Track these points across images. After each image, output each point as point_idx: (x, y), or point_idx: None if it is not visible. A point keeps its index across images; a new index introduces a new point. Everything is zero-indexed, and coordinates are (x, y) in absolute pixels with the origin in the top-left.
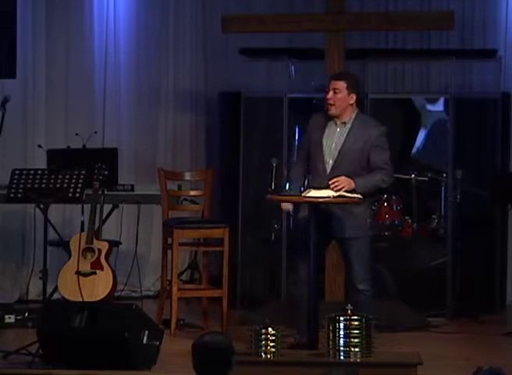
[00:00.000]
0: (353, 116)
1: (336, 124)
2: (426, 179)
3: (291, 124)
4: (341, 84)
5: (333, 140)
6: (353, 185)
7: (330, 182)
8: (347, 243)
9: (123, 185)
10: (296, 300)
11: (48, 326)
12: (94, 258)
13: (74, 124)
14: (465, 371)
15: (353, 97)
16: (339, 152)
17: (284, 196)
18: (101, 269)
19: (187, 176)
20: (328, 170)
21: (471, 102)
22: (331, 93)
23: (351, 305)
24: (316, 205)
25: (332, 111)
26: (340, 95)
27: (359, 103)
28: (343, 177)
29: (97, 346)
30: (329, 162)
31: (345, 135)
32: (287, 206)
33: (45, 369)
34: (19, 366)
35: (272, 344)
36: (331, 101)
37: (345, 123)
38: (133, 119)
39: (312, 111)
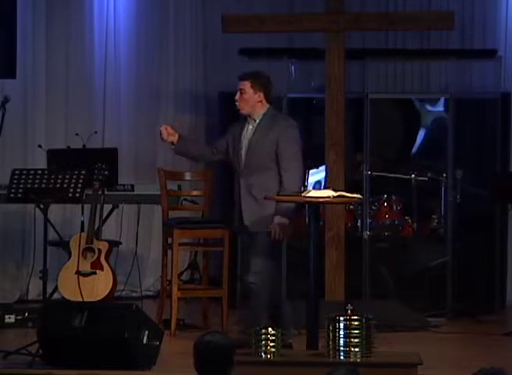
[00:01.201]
0: (263, 111)
1: (249, 123)
2: (426, 179)
3: None
4: (245, 84)
5: (246, 136)
6: (286, 228)
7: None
8: (254, 237)
9: (123, 185)
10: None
11: (48, 326)
12: (94, 258)
13: (74, 124)
14: (465, 371)
15: (261, 95)
16: (249, 146)
17: (284, 196)
18: (101, 269)
19: (187, 176)
20: (242, 165)
21: (471, 102)
22: (238, 94)
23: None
24: (316, 205)
25: (241, 111)
26: (246, 95)
27: (269, 100)
28: (275, 226)
29: (97, 346)
30: (242, 158)
31: (254, 130)
32: (169, 138)
33: (45, 369)
34: (19, 366)
35: (271, 344)
36: (237, 102)
37: (255, 119)
38: (133, 119)
39: (312, 111)
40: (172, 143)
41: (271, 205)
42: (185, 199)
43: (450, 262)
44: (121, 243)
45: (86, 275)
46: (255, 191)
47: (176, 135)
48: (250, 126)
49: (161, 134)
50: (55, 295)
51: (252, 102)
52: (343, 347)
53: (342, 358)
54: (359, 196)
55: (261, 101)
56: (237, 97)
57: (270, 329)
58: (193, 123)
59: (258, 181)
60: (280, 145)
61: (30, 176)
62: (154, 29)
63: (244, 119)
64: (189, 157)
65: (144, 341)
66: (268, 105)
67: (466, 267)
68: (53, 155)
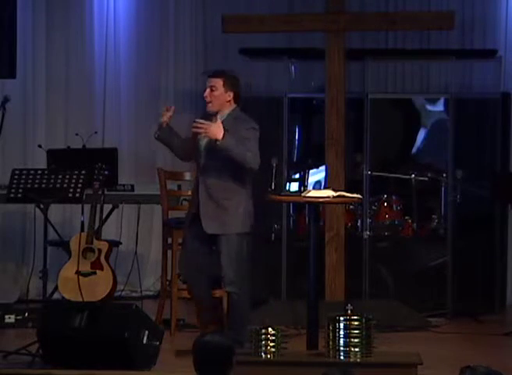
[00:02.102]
0: (229, 111)
1: (212, 121)
2: (426, 179)
3: (291, 124)
4: (217, 82)
5: (204, 137)
6: (217, 134)
7: (196, 121)
8: (216, 240)
9: (123, 185)
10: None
11: (48, 326)
12: (94, 258)
13: (74, 124)
14: None
15: (231, 94)
16: (209, 146)
17: (284, 196)
18: (101, 269)
19: (187, 176)
20: (202, 164)
21: (471, 102)
22: (208, 90)
23: (227, 307)
24: (316, 205)
25: (210, 108)
26: (217, 92)
27: (238, 101)
28: (215, 124)
29: (97, 346)
30: (202, 157)
31: None
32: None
33: (45, 369)
34: (19, 366)
35: (271, 344)
36: (208, 99)
37: (218, 119)
38: (133, 119)
39: (312, 111)
40: (160, 127)
41: (231, 207)
42: (185, 199)
43: (450, 262)
44: (121, 243)
45: (86, 275)
46: (214, 192)
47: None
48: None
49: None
50: (55, 295)
51: (222, 101)
52: (343, 347)
53: (342, 358)
54: (359, 196)
55: (229, 101)
56: (207, 93)
57: (270, 329)
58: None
59: (217, 182)
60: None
61: (30, 176)
62: (154, 29)
63: (205, 116)
64: (169, 146)
65: (144, 341)
66: (234, 106)
67: (466, 267)
68: (53, 155)
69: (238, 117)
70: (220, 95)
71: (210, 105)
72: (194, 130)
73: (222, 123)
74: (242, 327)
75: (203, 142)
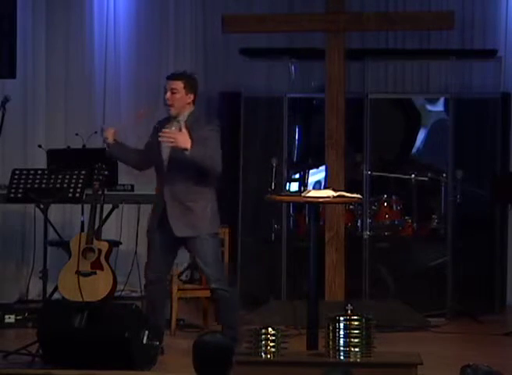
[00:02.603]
0: (188, 113)
1: (172, 124)
2: (426, 179)
3: (291, 124)
4: (178, 84)
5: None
6: (185, 143)
7: (161, 134)
8: (188, 243)
9: (123, 185)
10: (149, 301)
11: (48, 326)
12: (94, 258)
13: (74, 124)
14: None
15: (191, 96)
16: (171, 151)
17: (284, 196)
18: (101, 269)
19: None
20: (165, 167)
21: (471, 102)
22: (169, 93)
23: (216, 305)
24: (316, 205)
25: (172, 111)
26: (178, 95)
27: (195, 103)
28: (182, 134)
29: (97, 346)
30: (166, 159)
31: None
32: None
33: (45, 369)
34: (19, 366)
35: (271, 344)
36: (169, 102)
37: (179, 121)
38: (133, 119)
39: (312, 111)
40: (108, 145)
41: (198, 209)
42: None
43: (450, 262)
44: (121, 243)
45: (86, 275)
46: (180, 196)
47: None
48: (174, 128)
49: (104, 134)
50: (55, 295)
51: (183, 103)
52: (343, 347)
53: (342, 358)
54: (359, 196)
55: (189, 103)
56: (168, 96)
57: (270, 329)
58: None
59: (183, 186)
60: (199, 146)
61: (30, 176)
62: (154, 29)
63: (166, 120)
64: (122, 161)
65: (144, 341)
66: (193, 107)
67: (466, 267)
68: (53, 155)
69: (199, 118)
70: (181, 98)
71: (172, 108)
72: (163, 140)
73: (185, 124)
74: (237, 325)
75: (166, 150)
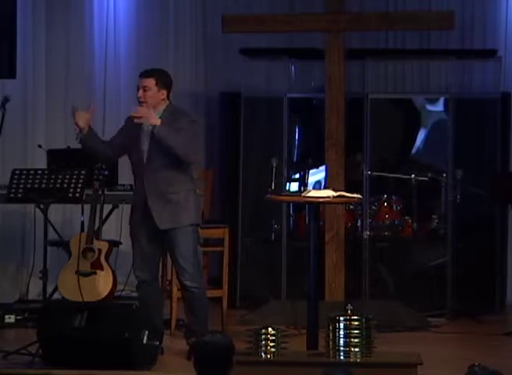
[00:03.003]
0: (164, 108)
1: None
2: (426, 179)
3: (291, 124)
4: (150, 81)
5: (147, 133)
6: (156, 120)
7: (134, 113)
8: (166, 235)
9: (123, 185)
10: (144, 301)
11: (48, 326)
12: (94, 258)
13: (74, 124)
14: (465, 371)
15: (164, 92)
16: (151, 141)
17: (284, 196)
18: (101, 269)
19: None
20: (145, 158)
21: (471, 102)
22: (141, 91)
23: (185, 302)
24: (316, 205)
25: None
26: (150, 93)
27: (169, 98)
28: (148, 111)
29: (97, 346)
30: (146, 150)
31: (154, 127)
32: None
33: (45, 369)
34: (19, 366)
35: (271, 344)
36: (141, 99)
37: (157, 114)
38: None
39: (312, 111)
40: (81, 131)
41: (180, 200)
42: None
43: (450, 262)
44: (121, 243)
45: (86, 275)
46: (161, 187)
47: (87, 125)
48: (146, 126)
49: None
50: (55, 295)
51: (156, 100)
52: (343, 347)
53: (342, 358)
54: (359, 196)
55: (163, 99)
56: (140, 94)
57: (270, 329)
58: None
59: (164, 177)
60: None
61: (30, 176)
62: (154, 29)
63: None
64: (91, 151)
65: (144, 341)
66: (168, 102)
67: (466, 267)
68: (53, 155)
69: (176, 112)
70: (154, 95)
71: (145, 105)
72: (136, 120)
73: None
74: (207, 322)
75: (145, 141)
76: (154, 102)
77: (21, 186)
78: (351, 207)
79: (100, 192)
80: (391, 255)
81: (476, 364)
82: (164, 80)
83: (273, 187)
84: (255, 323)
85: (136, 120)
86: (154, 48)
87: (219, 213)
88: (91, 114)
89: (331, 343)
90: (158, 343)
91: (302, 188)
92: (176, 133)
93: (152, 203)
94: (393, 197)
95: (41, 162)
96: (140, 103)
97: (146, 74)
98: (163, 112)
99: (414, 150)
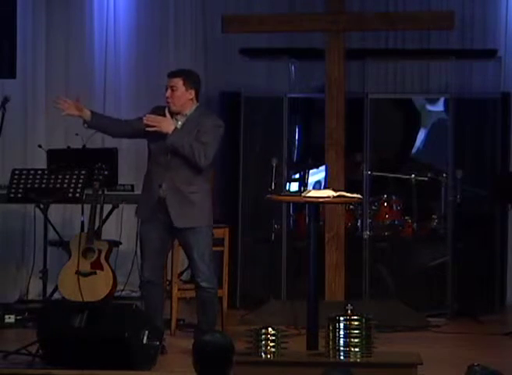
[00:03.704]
0: (193, 108)
1: (177, 119)
2: (426, 179)
3: (291, 124)
4: (177, 81)
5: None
6: (168, 128)
7: (145, 118)
8: (184, 235)
9: (123, 185)
10: (149, 301)
11: (48, 326)
12: (94, 258)
13: (74, 124)
14: (465, 371)
15: (192, 92)
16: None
17: (284, 196)
18: (101, 269)
19: None
20: (169, 159)
21: (471, 102)
22: (169, 91)
23: (198, 302)
24: (316, 205)
25: (172, 108)
26: (178, 92)
27: (198, 98)
28: (163, 118)
29: (97, 346)
30: (168, 151)
31: (182, 126)
32: (70, 111)
33: (45, 369)
34: (19, 366)
35: (271, 344)
36: (169, 100)
37: (185, 115)
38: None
39: (312, 111)
40: (84, 120)
41: (198, 201)
42: None
43: (450, 262)
44: (121, 243)
45: (86, 275)
46: (183, 186)
47: (87, 111)
48: (179, 122)
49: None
50: (55, 295)
51: (184, 100)
52: (343, 347)
53: (342, 358)
54: (359, 196)
55: (192, 99)
56: (168, 94)
57: (270, 329)
58: None
59: (186, 176)
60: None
61: (30, 176)
62: (154, 29)
63: (163, 109)
64: (102, 130)
65: (144, 341)
66: (197, 103)
67: (466, 267)
68: (53, 155)
69: (203, 113)
70: (181, 95)
71: (172, 105)
72: (147, 128)
73: (187, 120)
74: (215, 322)
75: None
76: (181, 102)
77: (21, 186)
78: (351, 207)
79: (100, 192)
80: (391, 255)
81: (476, 364)
82: (192, 80)
83: (273, 187)
84: (255, 323)
85: (147, 128)
86: (154, 48)
87: (219, 213)
88: (77, 99)
89: (331, 343)
90: (158, 343)
91: (302, 188)
92: (187, 137)
93: (170, 200)
94: (393, 197)
95: (41, 162)
96: (168, 103)
97: (173, 74)
98: (193, 112)
99: (414, 150)
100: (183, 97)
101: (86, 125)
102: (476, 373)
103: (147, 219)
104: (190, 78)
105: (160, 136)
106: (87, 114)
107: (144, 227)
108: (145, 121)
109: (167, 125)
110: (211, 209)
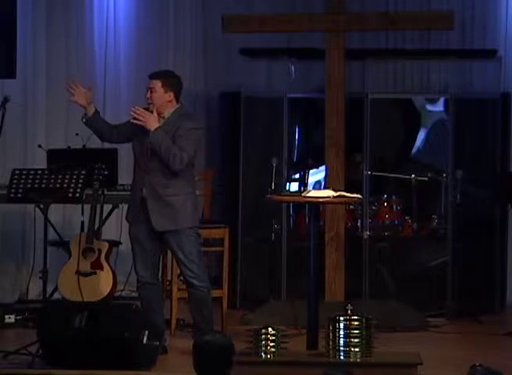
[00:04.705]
0: (172, 110)
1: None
2: (426, 179)
3: (291, 124)
4: (155, 83)
5: None
6: (152, 125)
7: (134, 109)
8: (167, 238)
9: (123, 185)
10: (147, 301)
11: (48, 326)
12: (94, 258)
13: (74, 124)
14: (465, 371)
15: (171, 94)
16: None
17: (284, 196)
18: (101, 269)
19: None
20: (148, 162)
21: (471, 102)
22: (148, 92)
23: (192, 302)
24: (316, 205)
25: (152, 108)
26: (156, 94)
27: (178, 100)
28: (150, 114)
29: (97, 346)
30: (148, 154)
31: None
32: (79, 100)
33: (45, 369)
34: (19, 366)
35: (271, 344)
36: (148, 101)
37: (163, 117)
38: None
39: (312, 111)
40: (85, 113)
41: (178, 203)
42: None
43: (450, 262)
44: (121, 243)
45: (86, 275)
46: (160, 190)
47: (92, 106)
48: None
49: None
50: (55, 295)
51: (161, 101)
52: (343, 347)
53: (342, 358)
54: (359, 196)
55: (170, 101)
56: (148, 95)
57: (270, 329)
58: None
59: (163, 179)
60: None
61: (30, 176)
62: (154, 29)
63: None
64: (95, 132)
65: (144, 341)
66: (178, 105)
67: (466, 267)
68: (53, 155)
69: (183, 115)
70: (160, 96)
71: (151, 105)
72: (134, 120)
73: (165, 123)
74: (212, 322)
75: (148, 144)
76: (159, 103)
77: (21, 186)
78: (351, 207)
79: (100, 192)
80: (391, 255)
81: (478, 364)
82: (171, 83)
83: (273, 187)
84: (255, 323)
85: (132, 120)
86: (154, 48)
87: (219, 213)
88: (91, 93)
89: (331, 343)
90: (158, 343)
91: (302, 188)
92: (167, 139)
93: (150, 204)
94: (393, 197)
95: (41, 162)
96: (149, 104)
97: (152, 76)
98: (172, 114)
99: (414, 150)
100: (161, 98)
101: (84, 119)
102: (478, 373)
103: (134, 222)
104: (169, 80)
105: (142, 139)
106: (92, 109)
107: (132, 229)
108: (132, 112)
109: (152, 121)
110: (195, 211)
